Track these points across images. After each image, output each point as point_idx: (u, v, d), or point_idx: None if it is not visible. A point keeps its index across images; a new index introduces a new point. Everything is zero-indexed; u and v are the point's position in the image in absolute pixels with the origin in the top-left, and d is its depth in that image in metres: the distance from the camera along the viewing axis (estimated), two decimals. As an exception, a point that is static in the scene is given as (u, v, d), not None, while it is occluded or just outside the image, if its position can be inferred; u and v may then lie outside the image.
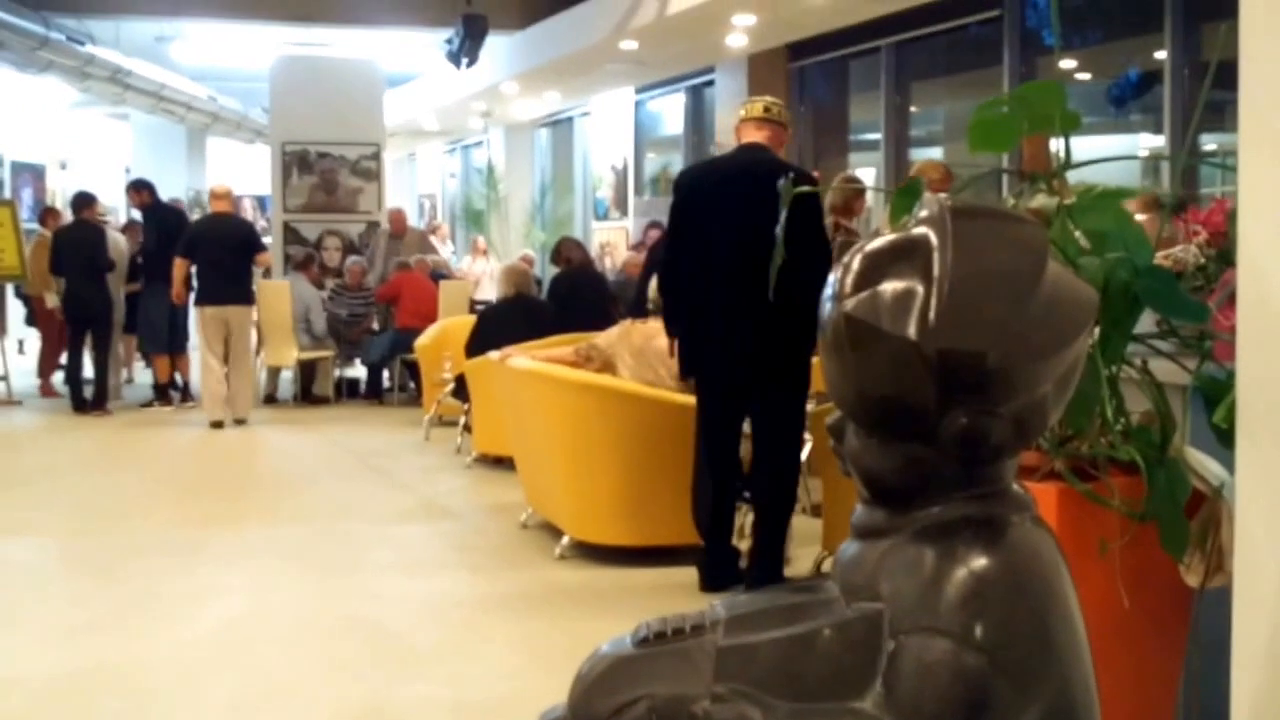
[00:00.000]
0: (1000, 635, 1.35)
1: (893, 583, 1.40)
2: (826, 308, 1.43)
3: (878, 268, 1.41)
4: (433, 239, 14.91)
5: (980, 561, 1.37)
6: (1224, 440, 2.27)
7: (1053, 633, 1.39)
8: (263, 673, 4.09)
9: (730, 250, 4.61)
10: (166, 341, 10.41)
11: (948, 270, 1.36)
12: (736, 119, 5.01)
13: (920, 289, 1.36)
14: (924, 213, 1.44)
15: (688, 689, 1.43)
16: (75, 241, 10.07)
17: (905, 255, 1.40)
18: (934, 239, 1.39)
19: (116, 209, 16.88)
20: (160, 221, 10.50)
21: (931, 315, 1.34)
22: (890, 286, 1.38)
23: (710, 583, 4.85)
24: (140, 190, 10.67)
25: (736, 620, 1.46)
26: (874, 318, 1.37)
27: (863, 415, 1.44)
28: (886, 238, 1.44)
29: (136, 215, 11.45)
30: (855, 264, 1.43)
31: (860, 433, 1.46)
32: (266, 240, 11.39)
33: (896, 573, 1.41)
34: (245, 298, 9.67)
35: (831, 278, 1.45)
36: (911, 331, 1.35)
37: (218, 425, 9.29)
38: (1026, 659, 1.37)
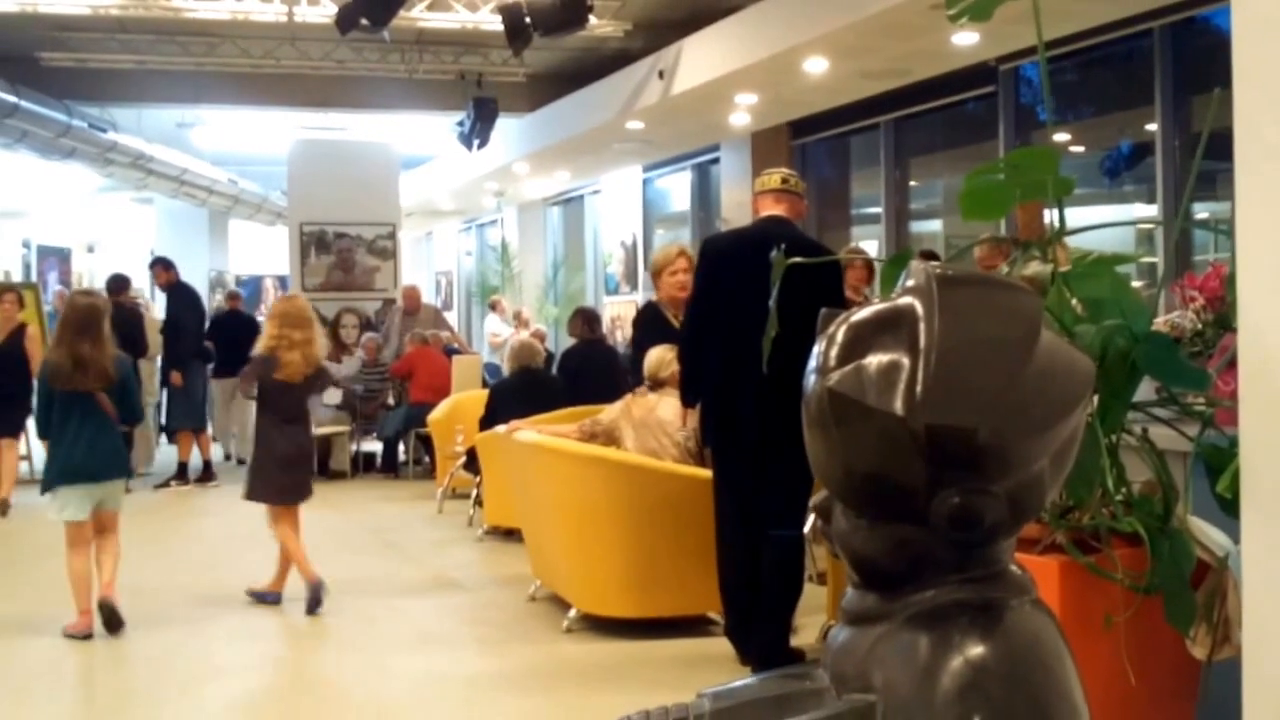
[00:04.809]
0: (1000, 730, 1.26)
1: (885, 672, 1.33)
2: (810, 381, 1.36)
3: (862, 340, 1.33)
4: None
5: (977, 650, 1.29)
6: (1228, 509, 2.20)
7: None
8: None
9: (758, 322, 4.66)
10: (190, 417, 10.64)
11: (935, 341, 1.28)
12: (754, 190, 5.05)
13: (906, 361, 1.29)
14: (910, 281, 1.37)
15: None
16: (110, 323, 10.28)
17: (890, 326, 1.33)
18: (920, 309, 1.31)
19: (143, 290, 17.27)
20: (183, 301, 10.78)
21: (919, 389, 1.27)
22: (875, 359, 1.30)
23: (746, 655, 4.80)
24: (163, 269, 10.94)
25: (721, 714, 1.40)
26: (858, 392, 1.29)
27: (850, 495, 1.38)
28: (871, 308, 1.38)
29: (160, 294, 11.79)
30: (839, 336, 1.35)
31: (848, 513, 1.39)
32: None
33: (889, 662, 1.33)
34: None
35: (815, 350, 1.38)
36: (898, 406, 1.27)
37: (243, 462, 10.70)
38: (1028, 754, 1.28)
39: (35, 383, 7.71)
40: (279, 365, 5.89)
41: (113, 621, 5.45)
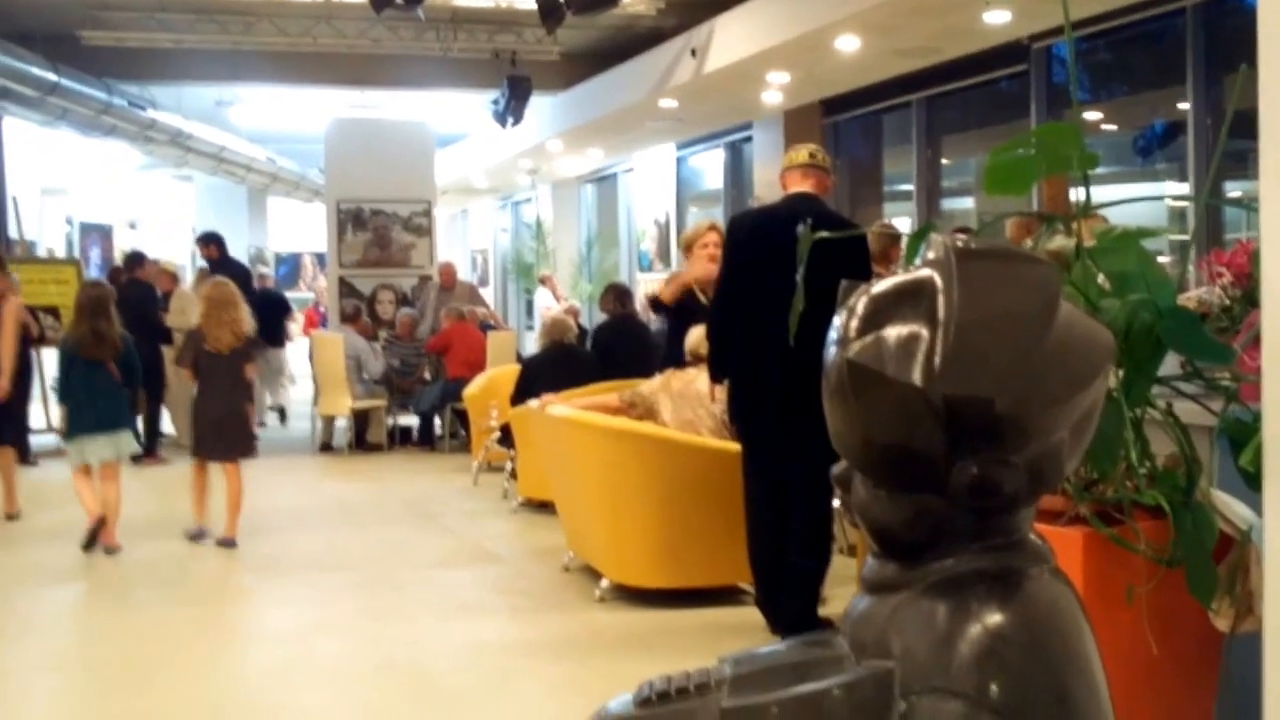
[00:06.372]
0: (1016, 696, 1.27)
1: (904, 640, 1.33)
2: (830, 353, 1.37)
3: (882, 311, 1.34)
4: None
5: (995, 618, 1.29)
6: (1251, 483, 2.18)
7: (1072, 692, 1.30)
8: (303, 717, 4.21)
9: (785, 298, 4.69)
10: None
11: (954, 313, 1.29)
12: (782, 166, 5.09)
13: (925, 333, 1.29)
14: (930, 254, 1.38)
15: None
16: (125, 299, 10.50)
17: (910, 298, 1.33)
18: (939, 281, 1.32)
19: (185, 266, 17.53)
20: (228, 275, 10.98)
21: (937, 360, 1.27)
22: (894, 331, 1.31)
23: (776, 625, 4.87)
24: (209, 244, 11.16)
25: (742, 679, 1.41)
26: (878, 363, 1.30)
27: (869, 465, 1.38)
28: (891, 280, 1.38)
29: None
30: (859, 307, 1.36)
31: (868, 483, 1.40)
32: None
33: (908, 629, 1.33)
34: (278, 343, 12.93)
35: (836, 322, 1.39)
36: (916, 377, 1.28)
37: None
38: (1044, 722, 1.29)
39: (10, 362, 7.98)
40: (207, 339, 7.01)
41: (111, 553, 6.71)
